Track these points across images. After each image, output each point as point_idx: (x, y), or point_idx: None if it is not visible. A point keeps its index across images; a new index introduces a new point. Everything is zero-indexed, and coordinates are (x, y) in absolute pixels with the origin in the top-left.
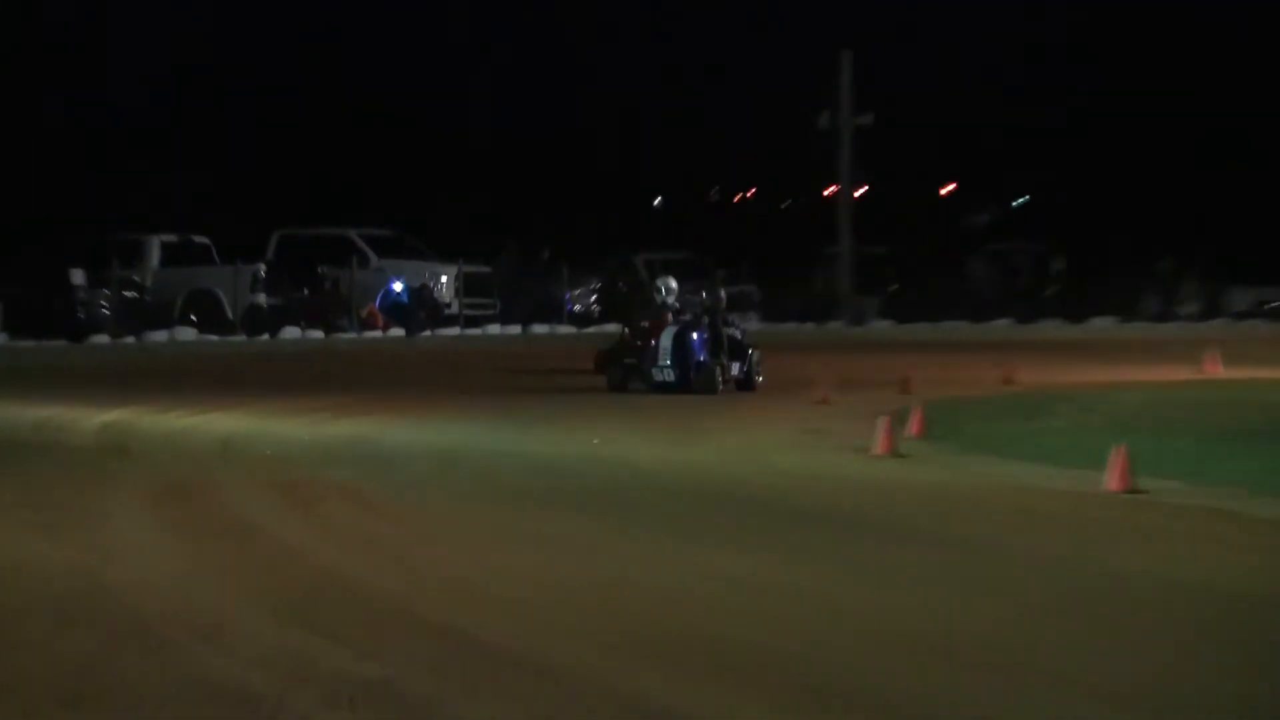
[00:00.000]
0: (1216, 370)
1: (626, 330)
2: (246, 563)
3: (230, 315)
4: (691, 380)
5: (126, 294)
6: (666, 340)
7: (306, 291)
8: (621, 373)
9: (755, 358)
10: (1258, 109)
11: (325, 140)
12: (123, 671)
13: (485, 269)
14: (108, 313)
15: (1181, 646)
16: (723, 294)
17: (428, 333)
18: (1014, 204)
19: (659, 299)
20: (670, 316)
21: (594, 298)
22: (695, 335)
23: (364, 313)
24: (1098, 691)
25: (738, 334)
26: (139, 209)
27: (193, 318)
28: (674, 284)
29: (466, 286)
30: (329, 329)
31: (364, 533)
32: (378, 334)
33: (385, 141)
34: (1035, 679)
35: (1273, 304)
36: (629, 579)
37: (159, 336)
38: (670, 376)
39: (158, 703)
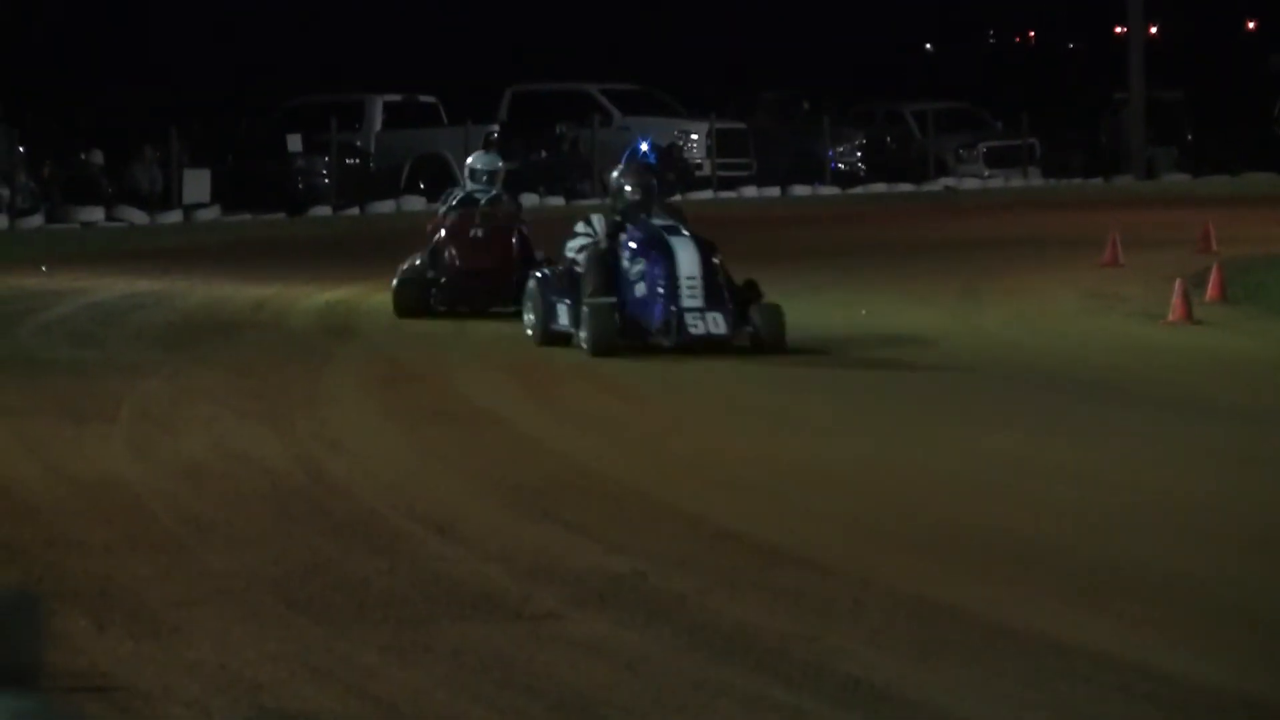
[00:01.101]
0: None
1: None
2: (480, 451)
3: (461, 181)
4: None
5: (348, 161)
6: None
7: (544, 153)
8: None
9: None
10: None
11: None
12: (352, 569)
13: (739, 125)
14: (328, 182)
15: None
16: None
17: (678, 196)
18: None
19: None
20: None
21: (859, 154)
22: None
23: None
24: None
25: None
26: (359, 68)
27: (421, 185)
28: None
29: (719, 145)
30: (569, 194)
31: (606, 417)
32: None
33: None
34: None
35: None
36: (897, 462)
37: (384, 206)
38: (720, 326)
39: (391, 602)
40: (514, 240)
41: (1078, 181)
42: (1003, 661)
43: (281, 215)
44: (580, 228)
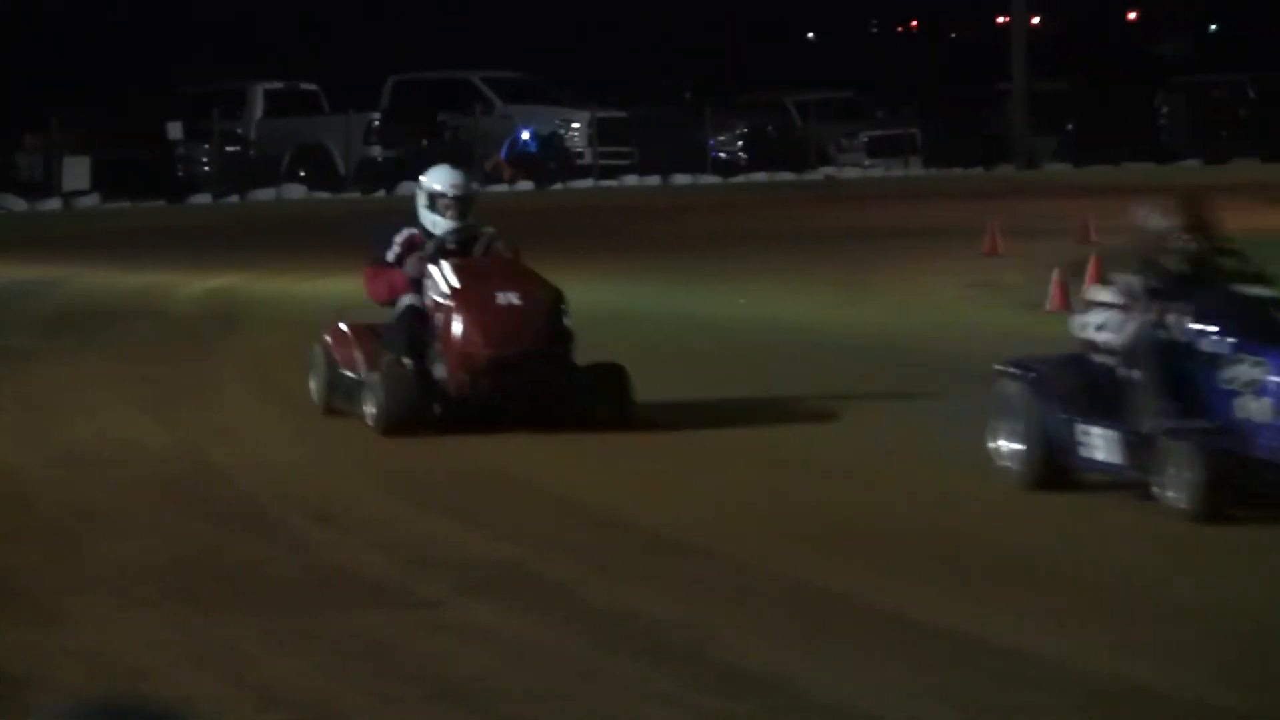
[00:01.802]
0: None
1: None
2: (365, 440)
3: (342, 170)
4: None
5: (229, 148)
6: None
7: (425, 142)
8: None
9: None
10: None
11: None
12: (236, 557)
13: (621, 113)
14: (209, 169)
15: None
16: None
17: (559, 185)
18: (1209, 31)
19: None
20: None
21: (740, 143)
22: None
23: (489, 165)
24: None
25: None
26: (241, 55)
27: (301, 173)
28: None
29: (601, 133)
30: None
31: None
32: (504, 187)
33: None
34: (1199, 543)
35: None
36: (780, 449)
37: (265, 194)
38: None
39: (274, 590)
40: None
41: (959, 171)
42: (888, 648)
43: (162, 203)
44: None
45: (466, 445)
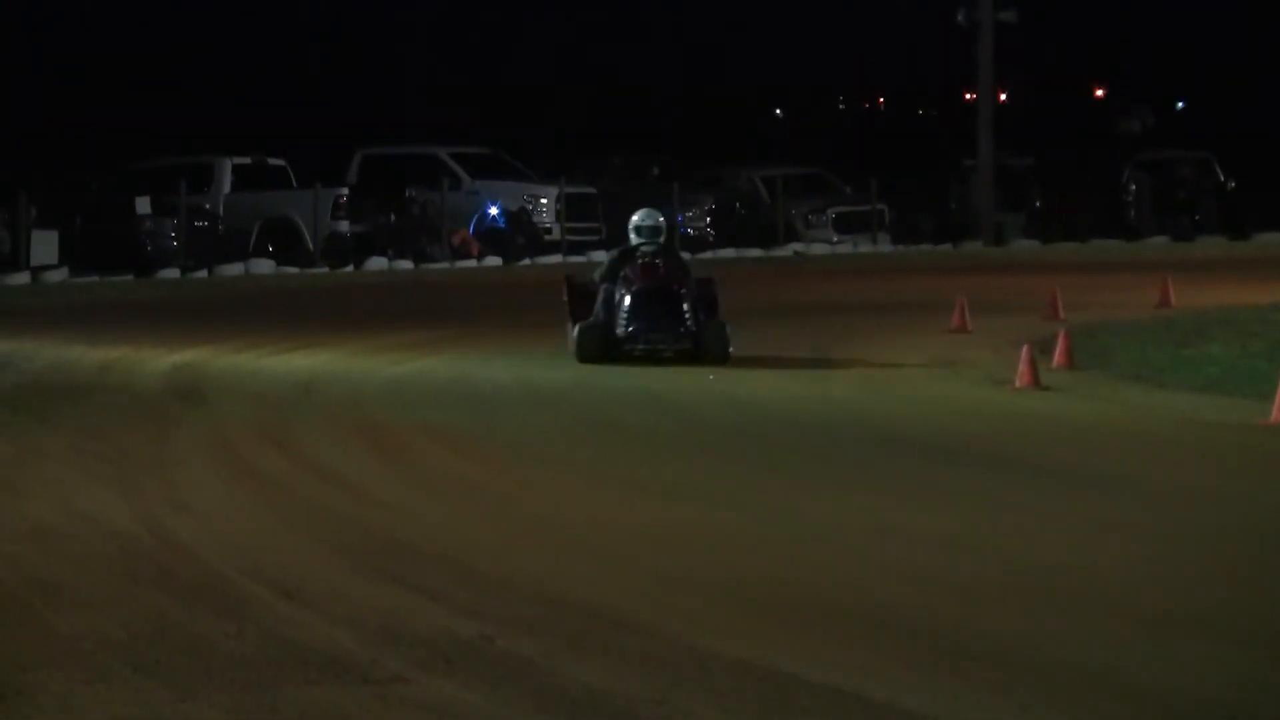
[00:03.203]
0: None
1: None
2: (328, 514)
3: (310, 245)
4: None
5: (196, 223)
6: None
7: (393, 217)
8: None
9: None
10: None
11: (411, 50)
12: (199, 632)
13: (588, 189)
14: (176, 244)
15: None
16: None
17: (527, 260)
18: (1175, 107)
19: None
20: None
21: (708, 219)
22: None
23: (456, 240)
24: (1229, 635)
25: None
26: (209, 130)
27: (269, 248)
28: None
29: (568, 209)
30: (418, 258)
31: (455, 480)
32: (472, 263)
33: (476, 52)
34: (1165, 621)
35: None
36: (748, 526)
37: (233, 269)
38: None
39: (238, 665)
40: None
41: (926, 247)
42: None
43: (130, 277)
44: None
45: (429, 517)
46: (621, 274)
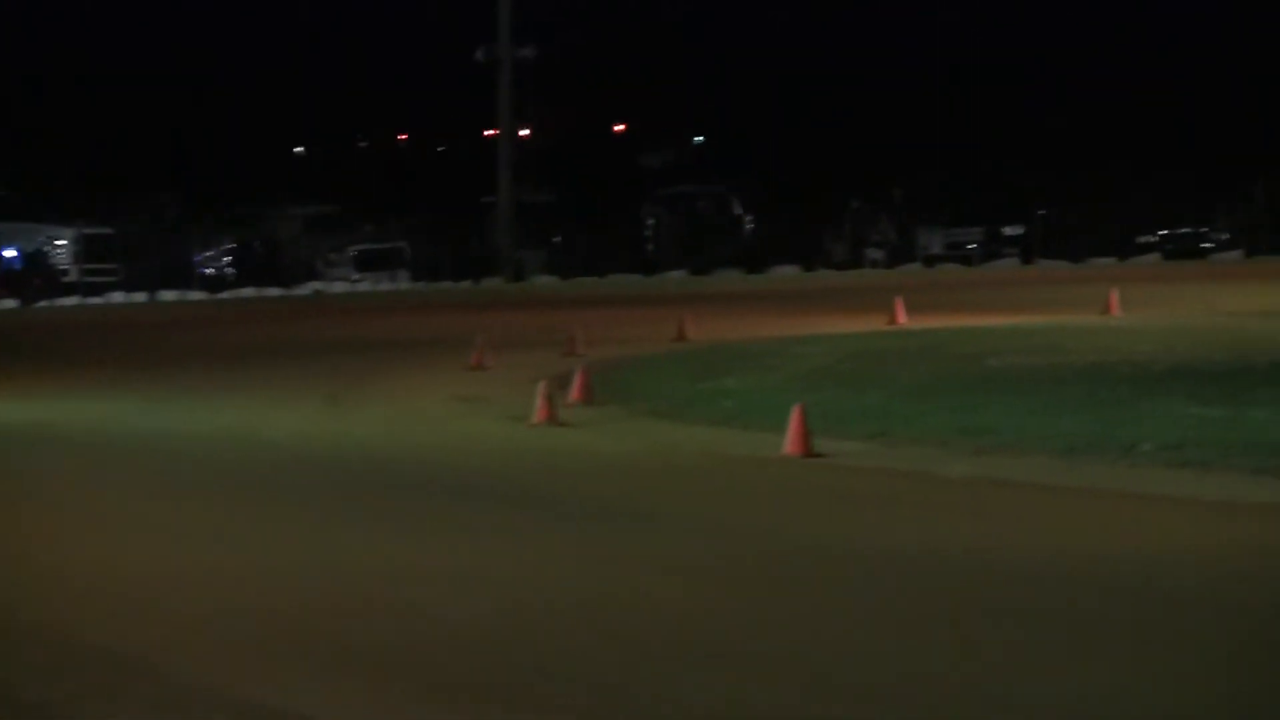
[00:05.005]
0: (903, 319)
1: None
2: None
3: None
4: None
5: None
6: None
7: None
8: None
9: None
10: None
11: None
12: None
13: (107, 231)
14: None
15: (847, 614)
16: None
17: (44, 302)
18: (693, 141)
19: None
20: None
21: (228, 259)
22: None
23: None
24: (753, 661)
25: None
26: None
27: None
28: None
29: (87, 251)
30: None
31: None
32: None
33: None
34: (695, 654)
35: (968, 244)
36: (260, 569)
37: None
38: None
39: None
40: None
41: (447, 284)
42: None
43: None
44: None
45: None
46: None
